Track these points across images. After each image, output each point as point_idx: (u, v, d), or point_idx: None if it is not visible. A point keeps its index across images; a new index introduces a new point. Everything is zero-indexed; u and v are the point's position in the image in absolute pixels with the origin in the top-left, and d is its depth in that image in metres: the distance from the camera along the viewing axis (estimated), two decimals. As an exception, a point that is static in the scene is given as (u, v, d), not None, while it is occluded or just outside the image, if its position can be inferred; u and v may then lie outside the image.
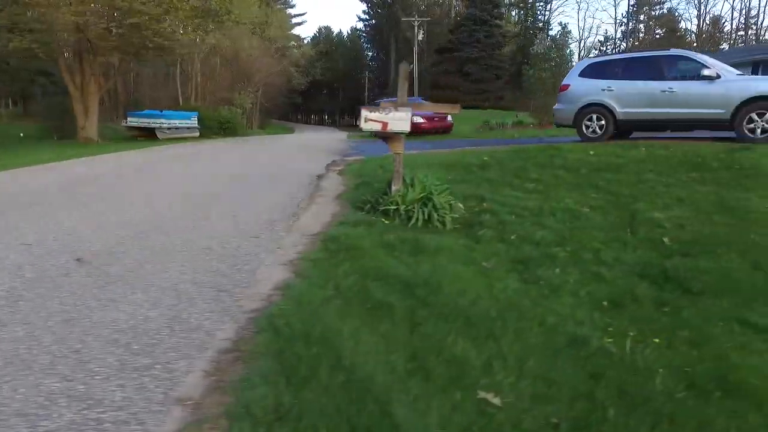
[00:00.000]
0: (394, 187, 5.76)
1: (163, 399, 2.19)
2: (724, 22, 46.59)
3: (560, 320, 3.21)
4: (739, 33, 44.64)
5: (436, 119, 18.75)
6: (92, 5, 17.50)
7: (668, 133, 10.56)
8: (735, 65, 12.01)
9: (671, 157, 8.07)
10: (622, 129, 10.04)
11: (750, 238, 4.97)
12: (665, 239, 5.12)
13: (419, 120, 18.53)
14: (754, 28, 43.67)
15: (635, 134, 10.96)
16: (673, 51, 9.88)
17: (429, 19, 39.33)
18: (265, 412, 2.01)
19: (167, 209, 6.18)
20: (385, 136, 5.59)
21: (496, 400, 2.25)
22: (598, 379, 2.51)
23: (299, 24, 55.45)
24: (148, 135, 24.37)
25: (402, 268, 3.75)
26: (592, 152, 8.75)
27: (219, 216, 5.84)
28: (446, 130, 18.68)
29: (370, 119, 5.38)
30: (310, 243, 4.56)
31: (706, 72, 8.77)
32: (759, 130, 8.46)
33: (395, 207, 5.53)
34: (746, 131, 8.57)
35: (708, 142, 8.93)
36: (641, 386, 2.44)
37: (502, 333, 2.94)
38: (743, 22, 45.85)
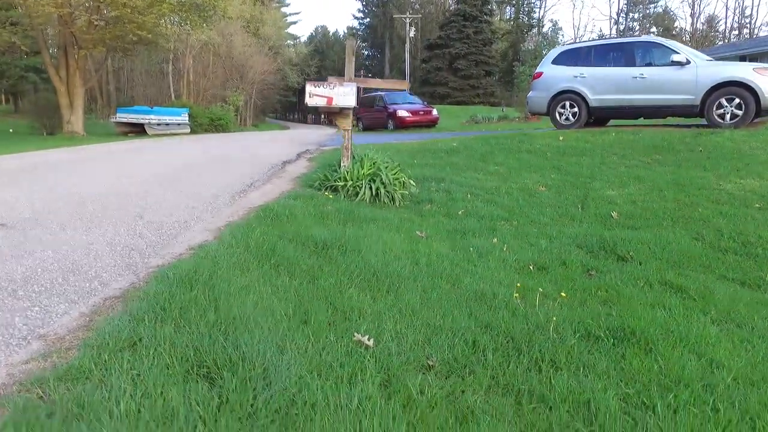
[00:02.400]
0: (343, 164, 5.69)
1: (27, 334, 2.13)
2: (718, 22, 46.62)
3: (476, 280, 3.13)
4: (733, 32, 44.67)
5: (421, 113, 18.67)
6: (75, -3, 17.45)
7: (645, 121, 10.51)
8: (721, 60, 11.96)
9: (638, 142, 8.02)
10: (596, 116, 9.98)
11: (698, 212, 4.92)
12: (613, 214, 5.06)
13: (404, 114, 18.47)
14: (748, 27, 43.68)
15: (613, 122, 10.90)
16: (645, 37, 9.82)
17: (420, 15, 39.34)
18: (117, 342, 1.95)
19: (116, 186, 6.10)
20: (330, 112, 5.51)
21: (370, 342, 2.18)
22: (489, 328, 2.44)
23: (294, 23, 55.33)
24: (138, 131, 24.26)
25: (325, 233, 3.67)
26: (561, 138, 8.69)
27: (165, 193, 5.76)
28: (431, 123, 18.58)
29: (315, 94, 5.31)
30: (245, 214, 4.48)
31: (675, 57, 8.72)
32: (728, 116, 8.40)
33: (343, 183, 5.46)
34: (716, 117, 8.52)
35: (681, 129, 8.88)
36: (531, 335, 2.36)
37: (407, 289, 2.86)
38: (737, 21, 45.88)
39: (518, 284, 2.96)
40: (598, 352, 2.25)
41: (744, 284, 3.40)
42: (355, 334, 2.22)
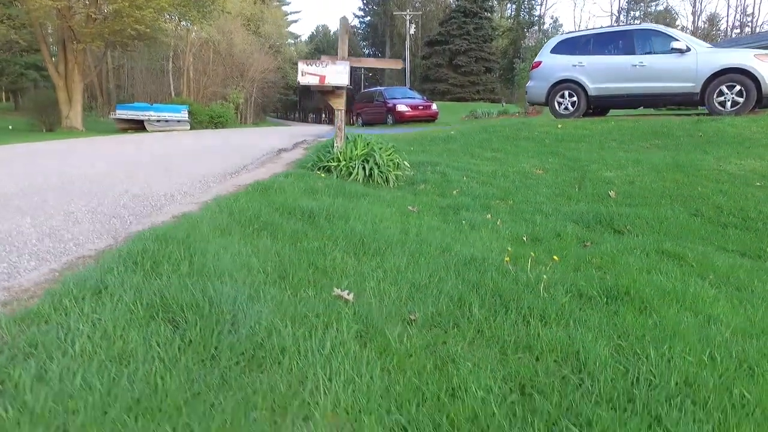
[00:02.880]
0: (336, 145, 5.59)
1: (-9, 288, 2.03)
2: (720, 20, 46.47)
3: (466, 248, 3.03)
4: (735, 30, 44.49)
5: (420, 107, 18.56)
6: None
7: (644, 111, 10.40)
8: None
9: (637, 129, 7.91)
10: (595, 105, 9.86)
11: (697, 191, 4.81)
12: (610, 193, 4.96)
13: (404, 109, 18.36)
14: (750, 25, 43.53)
15: (612, 113, 10.79)
16: (644, 25, 9.71)
17: (420, 13, 39.24)
18: (81, 290, 1.84)
19: (108, 168, 6.01)
20: (323, 91, 5.41)
21: (350, 297, 2.08)
22: (477, 287, 2.33)
23: (295, 22, 55.28)
24: (138, 128, 24.21)
25: (313, 203, 3.57)
26: (559, 126, 8.59)
27: (156, 173, 5.67)
28: (431, 118, 18.47)
29: (308, 72, 5.20)
30: (235, 190, 4.37)
31: (675, 45, 8.60)
32: (729, 103, 8.28)
33: (336, 164, 5.35)
34: (716, 105, 8.39)
35: (681, 117, 8.76)
36: (520, 293, 2.26)
37: (393, 254, 2.76)
38: (739, 19, 45.73)
39: (509, 248, 2.86)
40: (590, 309, 2.15)
41: (744, 255, 3.30)
42: (335, 289, 2.12)
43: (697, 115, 8.97)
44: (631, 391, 1.49)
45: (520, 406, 1.40)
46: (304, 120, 66.09)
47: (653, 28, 9.32)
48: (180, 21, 21.11)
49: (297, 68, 5.31)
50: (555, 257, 2.76)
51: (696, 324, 2.03)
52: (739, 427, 1.33)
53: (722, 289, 2.53)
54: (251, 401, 1.33)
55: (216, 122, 31.42)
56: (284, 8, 55.84)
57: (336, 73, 5.23)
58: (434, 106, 19.22)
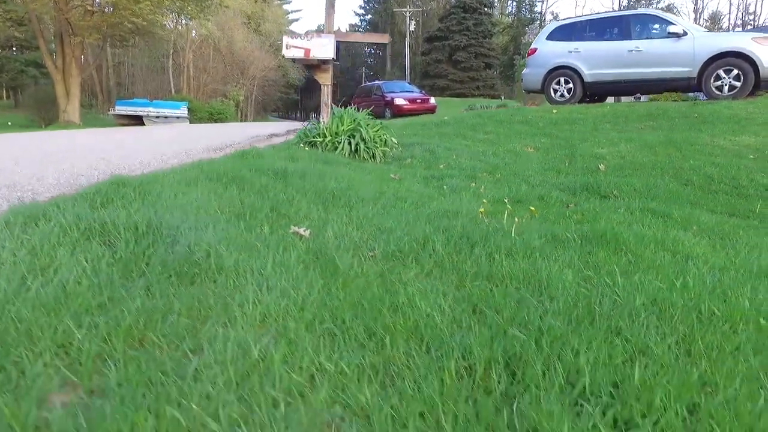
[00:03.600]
0: (322, 120, 5.49)
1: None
2: (722, 18, 46.24)
3: (442, 204, 2.93)
4: (737, 29, 44.27)
5: (418, 101, 18.41)
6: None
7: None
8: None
9: (632, 112, 7.80)
10: (591, 92, 9.73)
11: (689, 164, 4.70)
12: (600, 166, 4.85)
13: (402, 102, 18.23)
14: (752, 24, 43.29)
15: (609, 101, 10.66)
16: (641, 10, 9.60)
17: (420, 9, 39.15)
18: (20, 218, 1.75)
19: (92, 144, 5.92)
20: (310, 65, 5.32)
21: (306, 233, 1.97)
22: (446, 231, 2.22)
23: (296, 20, 55.24)
24: (137, 124, 24.19)
25: (290, 165, 3.47)
26: (554, 111, 8.47)
27: (139, 149, 5.57)
28: (429, 112, 18.32)
29: (293, 45, 5.13)
30: (214, 156, 4.29)
31: (672, 29, 8.47)
32: (726, 87, 8.14)
33: (321, 139, 5.25)
34: (713, 89, 8.26)
35: (677, 102, 8.64)
36: (490, 235, 2.15)
37: (365, 206, 2.66)
38: (741, 17, 45.52)
39: (485, 201, 2.75)
40: (562, 249, 2.04)
41: (733, 215, 3.18)
42: (293, 226, 2.02)
43: (694, 100, 8.86)
44: (592, 308, 1.38)
45: (466, 318, 1.30)
46: (305, 119, 65.92)
47: (649, 13, 9.21)
48: (178, 15, 21.01)
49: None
50: (532, 208, 2.65)
51: (673, 262, 1.92)
52: (704, 339, 1.22)
53: (705, 238, 2.42)
54: (173, 309, 1.23)
55: (216, 119, 31.39)
56: (285, 7, 55.83)
57: (321, 47, 5.15)
58: (432, 100, 19.09)
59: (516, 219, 2.31)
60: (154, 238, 1.58)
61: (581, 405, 0.94)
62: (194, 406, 0.87)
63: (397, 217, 2.46)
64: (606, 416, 0.91)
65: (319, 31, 5.20)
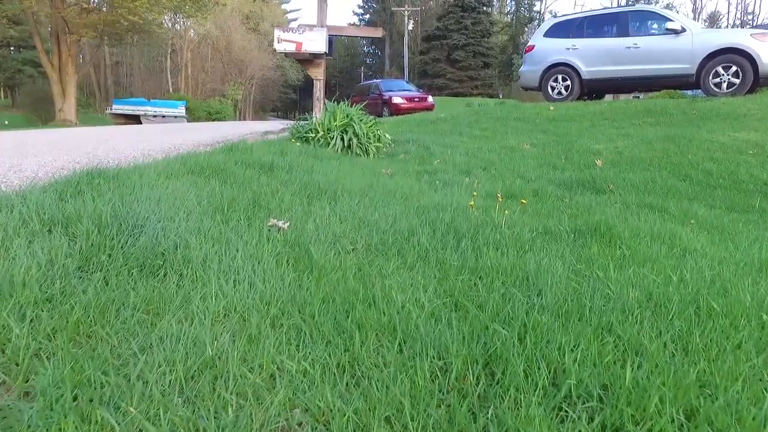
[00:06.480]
0: (314, 114, 5.39)
1: None
2: (720, 18, 46.15)
3: (433, 198, 2.83)
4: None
5: (416, 99, 18.33)
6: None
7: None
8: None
9: (630, 108, 7.71)
10: (589, 89, 9.64)
11: (687, 159, 4.60)
12: (597, 161, 4.76)
13: (399, 101, 18.15)
14: (751, 24, 43.21)
15: (608, 98, 10.58)
16: (639, 6, 9.50)
17: (419, 9, 39.00)
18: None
19: (80, 138, 5.83)
20: (301, 60, 5.22)
21: (285, 226, 1.88)
22: (432, 222, 2.13)
23: (294, 20, 55.06)
24: (134, 123, 24.09)
25: (277, 159, 3.37)
26: (551, 108, 8.39)
27: (127, 144, 5.47)
28: (427, 111, 18.25)
29: (284, 39, 5.02)
30: (201, 150, 4.18)
31: (670, 25, 8.38)
32: (725, 84, 8.05)
33: (314, 134, 5.16)
34: (712, 86, 8.17)
35: (676, 100, 8.56)
36: (479, 229, 2.06)
37: (351, 199, 2.56)
38: (740, 17, 45.45)
39: (475, 193, 2.66)
40: (554, 243, 1.95)
41: (732, 210, 3.09)
42: (271, 219, 1.92)
43: (692, 97, 8.77)
44: (582, 303, 1.29)
45: (446, 313, 1.20)
46: (305, 119, 65.67)
47: (647, 9, 9.12)
48: (175, 14, 20.90)
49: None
50: (522, 200, 2.56)
51: (671, 255, 1.83)
52: (703, 336, 1.13)
53: (703, 232, 2.33)
54: (128, 302, 1.13)
55: (214, 119, 31.29)
56: (284, 6, 55.67)
57: (312, 40, 5.04)
58: (430, 99, 19.00)
59: (506, 212, 2.23)
60: (119, 228, 1.49)
61: (566, 410, 0.84)
62: (132, 410, 0.78)
63: (384, 210, 2.37)
64: (593, 422, 0.82)
65: (304, 25, 5.09)
